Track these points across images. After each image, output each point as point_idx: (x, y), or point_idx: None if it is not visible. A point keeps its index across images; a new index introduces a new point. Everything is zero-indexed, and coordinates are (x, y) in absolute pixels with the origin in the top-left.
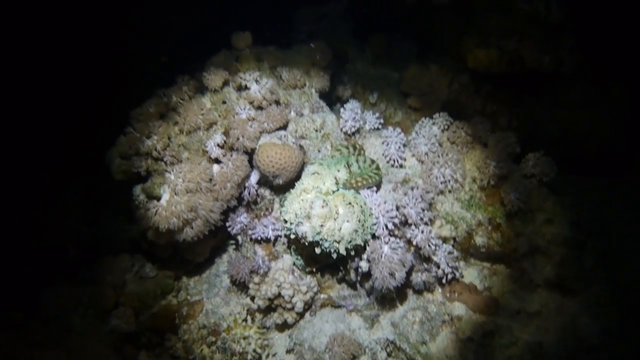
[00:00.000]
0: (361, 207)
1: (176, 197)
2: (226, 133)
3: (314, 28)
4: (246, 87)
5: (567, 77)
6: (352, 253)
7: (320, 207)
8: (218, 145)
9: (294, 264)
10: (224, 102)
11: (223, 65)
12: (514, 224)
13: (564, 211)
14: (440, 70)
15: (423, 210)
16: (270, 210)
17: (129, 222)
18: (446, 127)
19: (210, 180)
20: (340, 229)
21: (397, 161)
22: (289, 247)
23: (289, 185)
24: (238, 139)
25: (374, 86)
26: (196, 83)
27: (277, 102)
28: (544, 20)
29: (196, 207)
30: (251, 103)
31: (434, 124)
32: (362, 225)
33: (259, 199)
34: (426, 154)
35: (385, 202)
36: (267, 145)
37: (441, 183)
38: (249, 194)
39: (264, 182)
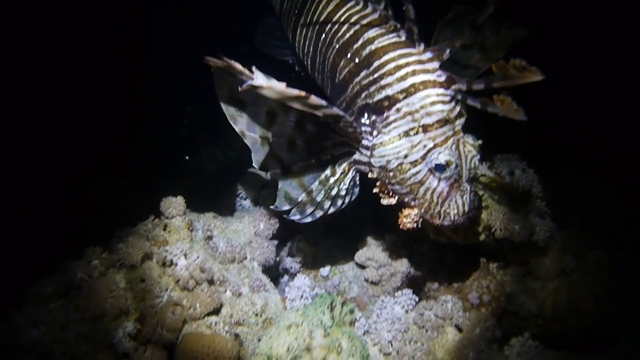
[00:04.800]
0: (361, 343)
1: None
2: (141, 320)
3: (259, 194)
4: (172, 263)
5: (538, 245)
6: None
7: (322, 336)
8: (129, 336)
9: None
10: (143, 281)
11: (147, 235)
12: None
13: None
14: (399, 240)
15: None
16: None
17: None
18: (411, 307)
19: None
20: None
21: None
22: None
23: None
24: (155, 329)
25: (325, 257)
26: (111, 256)
27: (210, 281)
28: (509, 186)
29: None
30: (176, 282)
31: (396, 303)
32: None
33: None
34: (390, 342)
35: None
36: (192, 337)
37: None
38: None
39: None
